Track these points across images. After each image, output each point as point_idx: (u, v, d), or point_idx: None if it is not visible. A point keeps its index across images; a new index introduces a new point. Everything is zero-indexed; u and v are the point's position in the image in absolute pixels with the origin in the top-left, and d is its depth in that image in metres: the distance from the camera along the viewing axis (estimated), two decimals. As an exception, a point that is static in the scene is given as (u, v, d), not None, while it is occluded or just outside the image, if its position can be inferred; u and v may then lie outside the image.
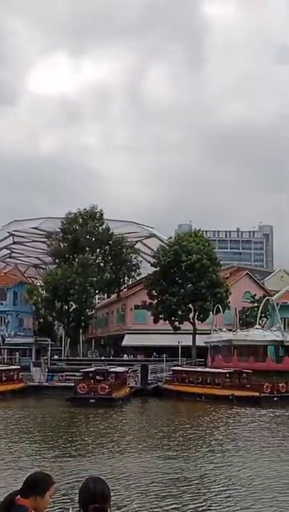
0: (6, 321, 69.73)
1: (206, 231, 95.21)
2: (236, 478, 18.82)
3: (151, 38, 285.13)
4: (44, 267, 75.40)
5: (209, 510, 15.39)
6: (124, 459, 21.79)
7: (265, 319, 61.87)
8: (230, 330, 57.09)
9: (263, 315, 59.57)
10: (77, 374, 47.04)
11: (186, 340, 58.34)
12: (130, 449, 23.99)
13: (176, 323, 59.12)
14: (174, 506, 15.67)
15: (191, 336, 58.78)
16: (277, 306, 55.97)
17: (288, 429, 30.39)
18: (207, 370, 49.47)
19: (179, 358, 56.55)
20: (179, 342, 57.08)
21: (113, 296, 70.59)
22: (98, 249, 63.37)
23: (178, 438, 26.73)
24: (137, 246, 70.07)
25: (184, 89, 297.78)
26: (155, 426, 31.18)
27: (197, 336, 58.54)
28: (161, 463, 21.07)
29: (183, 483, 18.12)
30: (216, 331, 56.91)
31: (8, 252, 74.37)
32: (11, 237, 69.33)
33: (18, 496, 3.82)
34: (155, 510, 15.39)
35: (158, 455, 22.51)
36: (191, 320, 58.78)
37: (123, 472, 19.43)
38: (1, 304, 69.58)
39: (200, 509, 15.42)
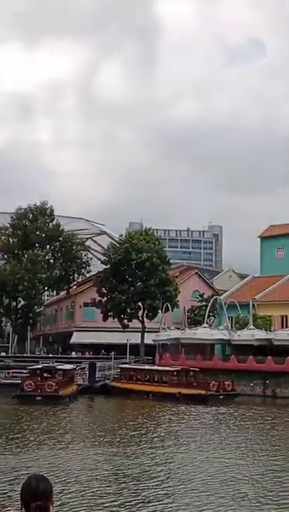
0: None
1: (156, 230, 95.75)
2: (176, 475, 19.00)
3: (105, 34, 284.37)
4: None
5: (148, 506, 15.45)
6: (66, 456, 21.72)
7: (213, 318, 62.58)
8: (178, 328, 57.53)
9: (210, 314, 60.25)
10: (24, 371, 46.57)
11: (135, 338, 58.52)
12: (72, 446, 23.90)
13: (125, 321, 59.21)
14: (113, 503, 15.68)
15: (140, 334, 58.96)
16: (224, 305, 56.69)
17: (230, 426, 30.74)
18: (155, 368, 49.70)
19: (128, 356, 56.67)
20: (127, 340, 57.20)
21: (62, 293, 70.13)
22: (48, 246, 62.89)
23: (121, 435, 26.78)
24: (87, 243, 69.85)
25: (137, 86, 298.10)
26: (99, 423, 31.17)
27: (146, 334, 58.74)
28: (102, 460, 21.10)
29: (123, 480, 18.18)
30: (164, 329, 57.25)
31: None
32: None
33: None
34: (94, 506, 15.36)
35: (100, 452, 22.53)
36: (140, 318, 58.95)
37: (64, 469, 19.38)
38: None
39: (139, 505, 15.47)
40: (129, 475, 18.85)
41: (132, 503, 15.66)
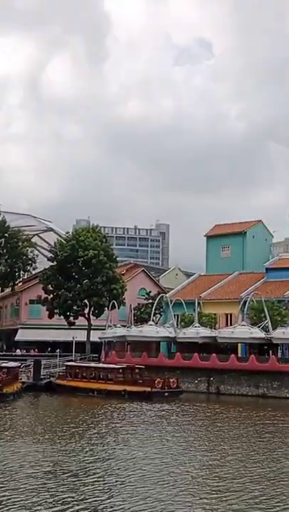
0: None
1: (103, 227, 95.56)
2: (114, 471, 19.07)
3: (53, 29, 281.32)
4: None
5: (85, 502, 15.46)
6: (3, 454, 21.53)
7: (159, 316, 63.01)
8: (124, 326, 57.64)
9: (157, 311, 60.66)
10: None
11: (81, 336, 58.35)
12: (12, 443, 23.67)
13: (71, 318, 58.94)
14: (49, 499, 15.62)
15: (86, 332, 58.82)
16: (170, 303, 57.18)
17: (171, 423, 31.00)
18: (100, 365, 49.68)
19: (73, 353, 56.47)
20: (73, 337, 57.02)
21: (7, 290, 69.14)
22: (-7, 242, 61.84)
23: (62, 432, 26.66)
24: (33, 240, 69.08)
25: (85, 82, 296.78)
26: (41, 421, 30.96)
27: (92, 331, 58.66)
28: (41, 457, 20.99)
29: (61, 477, 18.12)
30: (110, 326, 57.26)
31: None
32: None
33: None
34: (30, 504, 15.27)
35: (40, 449, 22.38)
36: (86, 315, 58.79)
37: (0, 466, 19.25)
38: None
39: (75, 502, 15.45)
40: (68, 471, 18.80)
41: (68, 499, 15.64)
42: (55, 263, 58.92)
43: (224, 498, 16.14)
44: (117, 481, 17.74)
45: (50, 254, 61.55)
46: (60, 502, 15.39)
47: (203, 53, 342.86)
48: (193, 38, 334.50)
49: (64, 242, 59.75)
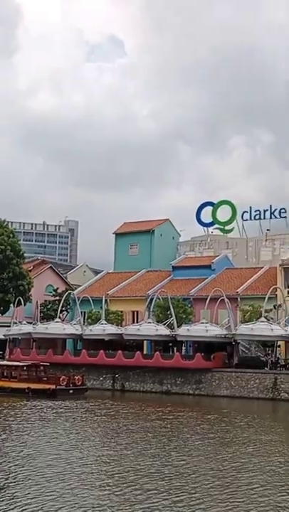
0: None
1: (11, 222, 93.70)
2: (3, 468, 18.83)
3: None
4: None
5: None
6: None
7: (66, 313, 62.62)
8: (30, 323, 56.87)
9: (64, 309, 60.24)
10: None
11: (-15, 333, 56.98)
12: None
13: (-24, 315, 57.42)
14: None
15: (-9, 329, 57.50)
16: (78, 300, 56.98)
17: (70, 420, 30.81)
18: (4, 363, 48.77)
19: (-23, 351, 55.11)
20: (-23, 334, 55.63)
21: None
22: None
23: None
24: None
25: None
26: None
27: (-3, 328, 57.41)
28: None
29: None
30: (16, 323, 56.32)
31: None
32: None
33: None
34: None
35: None
36: (-9, 312, 57.46)
37: None
38: None
39: None
40: None
41: None
42: None
43: (117, 493, 16.30)
44: (7, 478, 17.52)
45: None
46: None
47: (115, 51, 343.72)
48: (105, 35, 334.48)
49: None
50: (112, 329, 52.53)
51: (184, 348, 51.36)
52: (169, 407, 37.07)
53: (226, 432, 27.90)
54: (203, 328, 48.05)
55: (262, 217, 70.44)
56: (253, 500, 15.73)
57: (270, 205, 70.62)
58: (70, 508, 14.83)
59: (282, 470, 19.76)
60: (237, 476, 18.49)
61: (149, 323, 50.67)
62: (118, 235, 72.87)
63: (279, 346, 48.71)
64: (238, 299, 53.22)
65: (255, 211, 71.08)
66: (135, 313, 57.99)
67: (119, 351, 50.14)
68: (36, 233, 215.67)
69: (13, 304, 56.41)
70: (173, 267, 62.53)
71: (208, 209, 74.22)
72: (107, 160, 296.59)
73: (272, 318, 48.27)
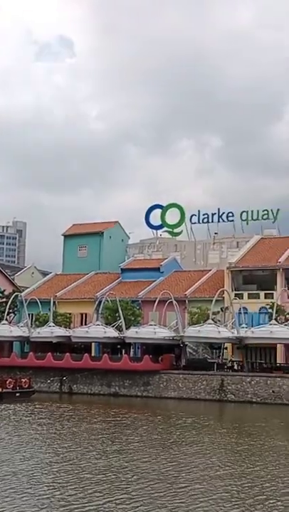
0: None
1: None
2: None
3: None
4: None
5: None
6: None
7: (13, 315, 61.79)
8: (-24, 325, 55.81)
9: (11, 311, 59.43)
10: None
11: None
12: None
13: None
14: None
15: None
16: (25, 302, 56.35)
17: (11, 422, 30.57)
18: None
19: None
20: None
21: None
22: None
23: None
24: None
25: None
26: None
27: None
28: None
29: None
30: None
31: None
32: None
33: None
34: None
35: None
36: None
37: None
38: None
39: None
40: None
41: None
42: None
43: (57, 496, 16.27)
44: None
45: None
46: None
47: (65, 51, 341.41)
48: (54, 35, 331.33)
49: None
50: (60, 331, 52.21)
51: (132, 350, 51.48)
52: (115, 409, 37.12)
53: (169, 433, 28.10)
54: (151, 330, 48.27)
55: (210, 220, 71.23)
56: (192, 502, 15.87)
57: (218, 209, 71.54)
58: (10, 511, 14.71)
59: (221, 470, 20.00)
60: (176, 476, 18.65)
61: (98, 325, 50.58)
62: (67, 236, 72.50)
63: (226, 348, 49.38)
64: (186, 302, 53.68)
65: (204, 214, 71.85)
66: (84, 315, 57.76)
67: (67, 354, 49.84)
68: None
69: None
70: (122, 269, 62.60)
71: (157, 212, 74.63)
72: (55, 161, 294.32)
73: (219, 321, 48.90)
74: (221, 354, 48.96)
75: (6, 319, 56.41)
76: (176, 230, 73.95)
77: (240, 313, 48.92)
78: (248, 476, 19.09)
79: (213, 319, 47.22)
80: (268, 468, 20.51)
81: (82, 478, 18.37)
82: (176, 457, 21.90)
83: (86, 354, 49.91)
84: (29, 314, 55.48)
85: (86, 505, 15.39)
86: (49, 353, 50.15)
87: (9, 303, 56.82)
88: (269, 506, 15.65)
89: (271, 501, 16.09)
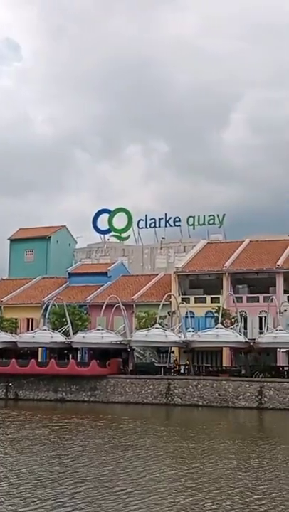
0: None
1: None
2: None
3: None
4: None
5: None
6: None
7: None
8: None
9: None
10: None
11: None
12: None
13: None
14: None
15: None
16: None
17: None
18: None
19: None
20: None
21: None
22: None
23: None
24: None
25: None
26: None
27: None
28: None
29: None
30: None
31: None
32: None
33: None
34: None
35: None
36: None
37: None
38: None
39: None
40: None
41: None
42: None
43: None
44: None
45: None
46: None
47: (11, 55, 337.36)
48: (1, 39, 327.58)
49: None
50: (5, 337, 51.50)
51: (79, 355, 51.23)
52: (59, 415, 36.84)
53: (110, 437, 28.06)
54: (98, 335, 48.16)
55: (157, 225, 71.68)
56: (126, 504, 15.91)
57: (165, 214, 72.05)
58: None
59: (158, 473, 20.12)
60: (112, 480, 18.66)
61: (44, 330, 50.13)
62: (13, 241, 71.69)
63: (173, 352, 49.74)
64: (134, 306, 53.82)
65: (151, 219, 72.27)
66: (30, 320, 57.16)
67: (13, 359, 49.19)
68: None
69: None
70: (69, 273, 62.29)
71: (105, 216, 74.63)
72: (1, 164, 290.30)
73: (166, 325, 49.23)
74: (168, 358, 49.28)
75: None
76: (123, 235, 74.11)
77: (186, 317, 49.36)
78: (183, 478, 19.19)
79: (160, 323, 47.48)
80: (204, 470, 20.66)
81: (18, 484, 18.19)
82: (114, 461, 21.87)
83: (32, 359, 49.35)
84: None
85: (20, 510, 15.25)
86: (-6, 360, 49.37)
87: None
88: (202, 507, 15.81)
89: (208, 502, 16.21)
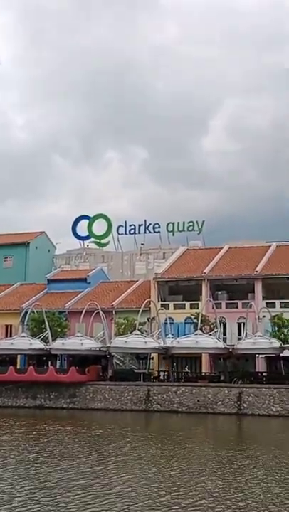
0: None
1: None
2: None
3: None
4: None
5: None
6: None
7: None
8: None
9: None
10: None
11: None
12: None
13: None
14: None
15: None
16: None
17: None
18: None
19: None
20: None
21: None
22: None
23: None
24: None
25: None
26: None
27: None
28: None
29: None
30: None
31: None
32: None
33: None
34: None
35: None
36: None
37: None
38: None
39: None
40: None
41: None
42: None
43: None
44: None
45: None
46: None
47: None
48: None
49: None
50: (-17, 344, 51.06)
51: (58, 361, 50.99)
52: (30, 422, 36.45)
53: (84, 443, 27.92)
54: (78, 342, 48.00)
55: (136, 231, 71.83)
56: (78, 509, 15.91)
57: (145, 220, 72.24)
58: None
59: (127, 475, 20.13)
60: (67, 487, 18.56)
61: (23, 336, 49.84)
62: (-9, 247, 71.15)
63: (152, 358, 49.78)
64: (113, 312, 53.80)
65: (130, 226, 72.39)
66: (9, 327, 56.84)
67: (-8, 367, 48.79)
68: None
69: None
70: (48, 280, 62.09)
71: (84, 222, 74.58)
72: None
73: (146, 331, 49.28)
74: (147, 364, 49.28)
75: None
76: (103, 241, 74.12)
77: (166, 323, 49.48)
78: (154, 483, 19.17)
79: (139, 330, 47.50)
80: (180, 474, 20.63)
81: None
82: (72, 467, 21.74)
83: (11, 366, 49.01)
84: None
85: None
86: (-26, 367, 48.90)
87: None
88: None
89: (174, 508, 16.18)
